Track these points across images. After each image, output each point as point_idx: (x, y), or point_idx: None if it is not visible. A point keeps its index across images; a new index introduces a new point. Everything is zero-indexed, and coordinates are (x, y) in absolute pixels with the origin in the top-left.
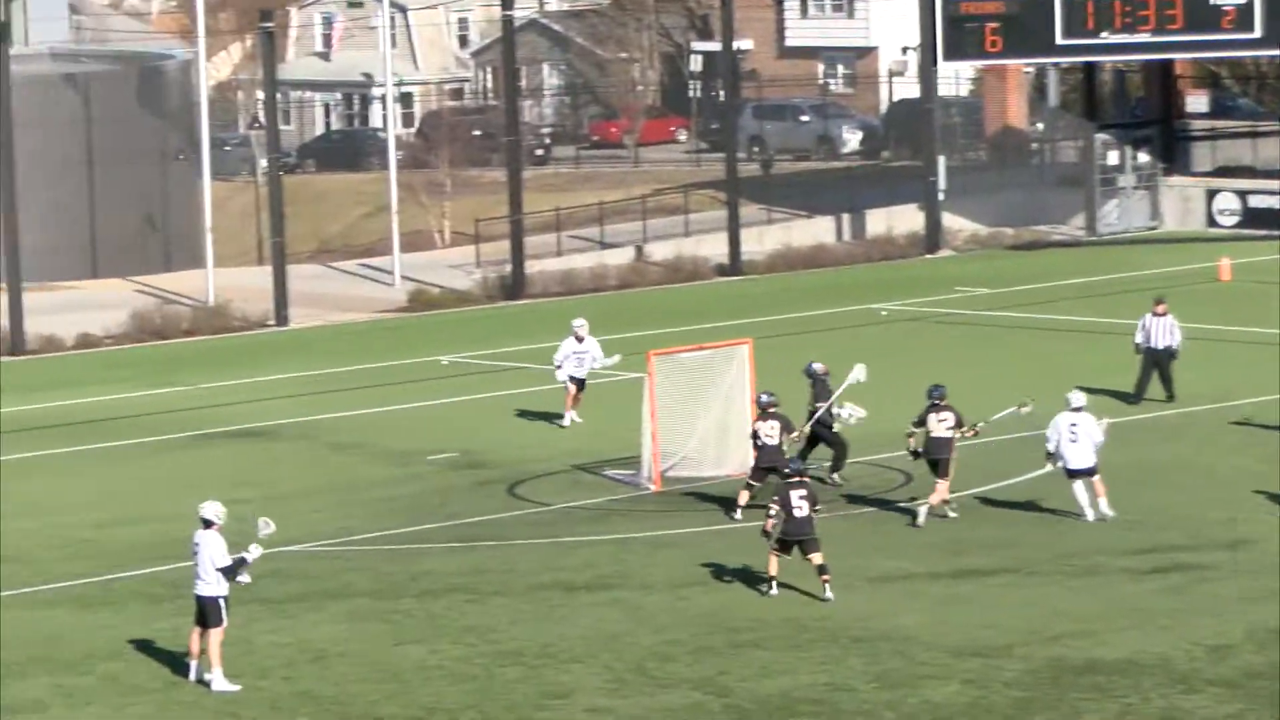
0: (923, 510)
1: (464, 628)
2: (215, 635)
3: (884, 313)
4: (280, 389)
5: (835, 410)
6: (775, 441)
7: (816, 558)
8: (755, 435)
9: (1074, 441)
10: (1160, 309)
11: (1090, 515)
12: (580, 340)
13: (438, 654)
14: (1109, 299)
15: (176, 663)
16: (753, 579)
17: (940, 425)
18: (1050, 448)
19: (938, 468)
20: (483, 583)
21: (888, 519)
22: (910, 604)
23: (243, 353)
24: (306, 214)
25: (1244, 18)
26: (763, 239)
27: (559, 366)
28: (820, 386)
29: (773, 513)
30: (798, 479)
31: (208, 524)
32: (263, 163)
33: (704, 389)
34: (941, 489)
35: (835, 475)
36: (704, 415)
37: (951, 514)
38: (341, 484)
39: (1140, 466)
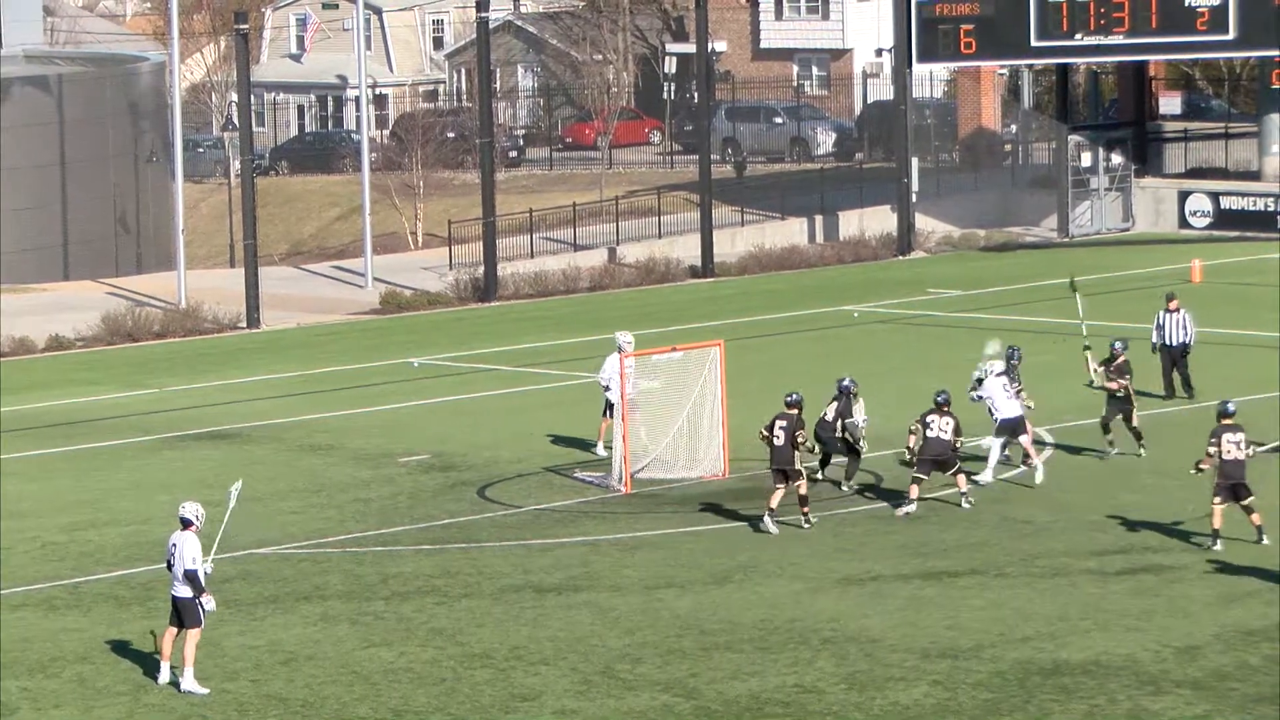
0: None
1: (433, 630)
2: (192, 636)
3: (856, 314)
4: (252, 391)
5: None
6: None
7: (800, 487)
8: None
9: (1008, 397)
10: (1173, 305)
11: (989, 476)
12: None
13: (406, 656)
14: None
15: (145, 666)
16: (725, 580)
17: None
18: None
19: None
20: (452, 585)
21: (854, 521)
22: (878, 606)
23: (214, 355)
24: (279, 216)
25: (1218, 19)
26: (735, 241)
27: (607, 388)
28: (846, 401)
29: (764, 435)
30: (787, 409)
31: (186, 524)
32: (236, 164)
33: (676, 391)
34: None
35: (849, 483)
36: (676, 417)
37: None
38: (313, 486)
39: (1113, 467)
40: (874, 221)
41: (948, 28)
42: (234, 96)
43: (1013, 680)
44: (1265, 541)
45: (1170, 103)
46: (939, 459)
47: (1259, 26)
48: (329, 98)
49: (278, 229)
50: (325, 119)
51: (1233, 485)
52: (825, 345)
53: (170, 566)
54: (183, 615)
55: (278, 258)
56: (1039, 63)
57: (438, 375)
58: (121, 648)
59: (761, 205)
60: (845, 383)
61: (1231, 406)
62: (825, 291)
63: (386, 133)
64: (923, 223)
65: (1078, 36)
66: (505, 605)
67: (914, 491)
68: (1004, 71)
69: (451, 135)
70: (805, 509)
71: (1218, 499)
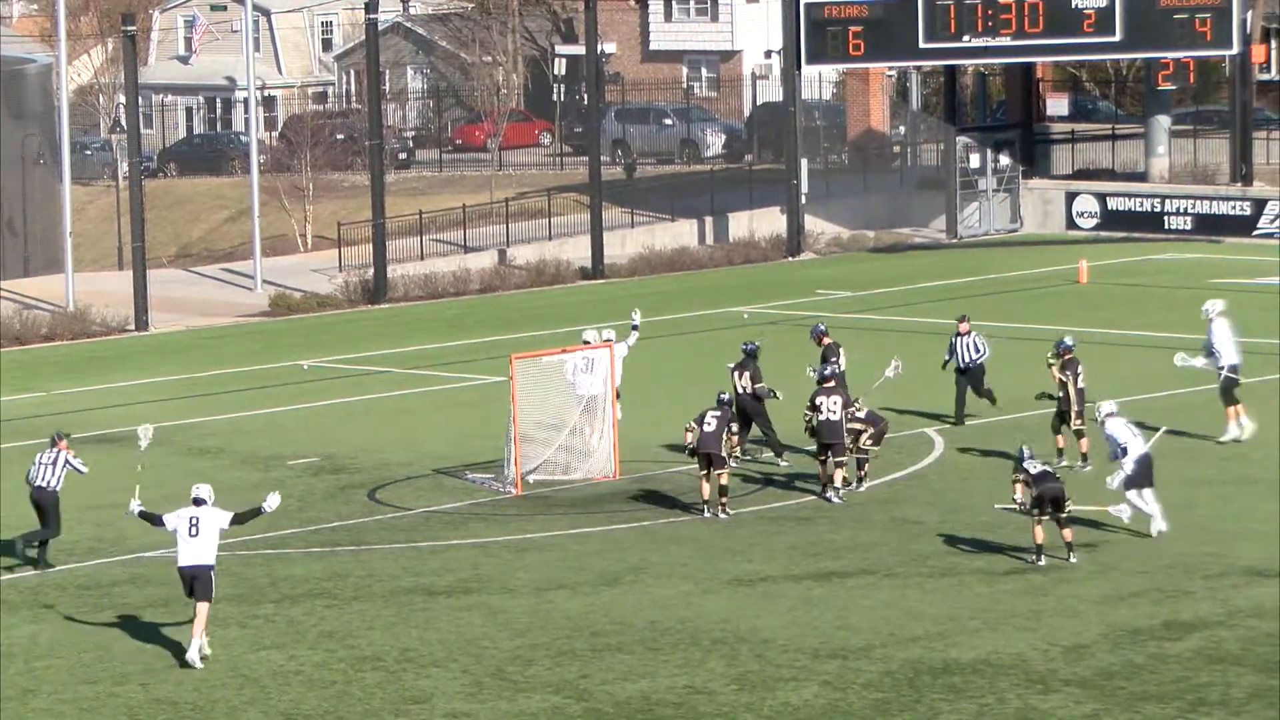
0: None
1: (323, 633)
2: (204, 607)
3: (745, 315)
4: (140, 394)
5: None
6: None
7: (721, 478)
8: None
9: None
10: (964, 327)
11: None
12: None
13: (296, 659)
14: (970, 301)
15: (31, 670)
16: (615, 581)
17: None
18: None
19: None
20: (342, 588)
21: (744, 522)
22: (769, 606)
23: (103, 358)
24: (168, 218)
25: (1104, 21)
26: (625, 242)
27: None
28: (752, 364)
29: (690, 427)
30: (718, 405)
31: (199, 503)
32: (124, 167)
33: (567, 392)
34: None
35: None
36: (567, 418)
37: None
38: None
39: (1000, 468)
40: (763, 223)
41: (836, 29)
42: (122, 98)
43: (903, 680)
44: (1074, 560)
45: (1057, 104)
46: (829, 443)
47: (1145, 28)
48: (217, 100)
49: (166, 231)
50: (214, 121)
51: (1053, 498)
52: (715, 346)
53: (195, 532)
54: (199, 583)
55: (166, 260)
56: (927, 64)
57: (328, 378)
58: (9, 652)
59: (651, 207)
60: (750, 346)
61: (1027, 450)
62: (715, 293)
63: (275, 135)
64: (812, 224)
65: (965, 38)
66: (395, 608)
67: (837, 476)
68: (892, 73)
69: (341, 137)
70: (724, 499)
71: (1036, 511)
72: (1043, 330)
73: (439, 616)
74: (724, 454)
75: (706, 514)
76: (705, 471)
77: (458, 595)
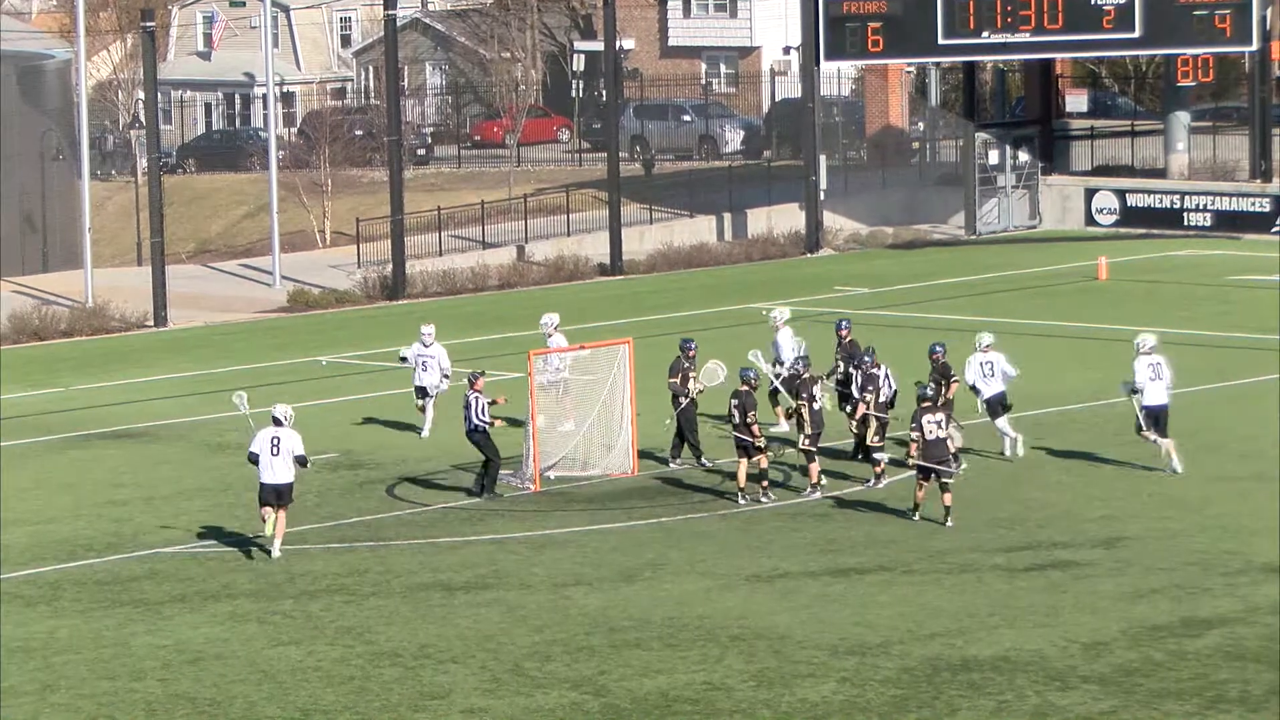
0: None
1: (341, 628)
2: (283, 514)
3: (764, 312)
4: (159, 390)
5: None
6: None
7: (762, 462)
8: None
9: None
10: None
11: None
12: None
13: (315, 655)
14: (988, 298)
15: (50, 666)
16: (633, 577)
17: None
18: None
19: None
20: (360, 583)
21: (762, 518)
22: (786, 603)
23: (121, 354)
24: (186, 214)
25: (1124, 17)
26: (644, 238)
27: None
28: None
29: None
30: (745, 389)
31: (277, 423)
32: (142, 162)
33: (585, 388)
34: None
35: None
36: (585, 415)
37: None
38: (220, 485)
39: (1018, 463)
40: (782, 219)
41: (855, 25)
42: (141, 94)
43: (921, 676)
44: (950, 525)
45: (1076, 100)
46: (815, 433)
47: (1164, 25)
48: (236, 95)
49: (185, 227)
50: (233, 117)
51: (938, 463)
52: (733, 344)
53: (276, 452)
54: (283, 496)
55: (185, 256)
56: (946, 60)
57: (346, 373)
58: (28, 647)
59: (670, 203)
60: (687, 343)
61: (930, 390)
62: (733, 289)
63: (294, 131)
64: (831, 220)
65: (984, 34)
66: (414, 603)
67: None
68: (911, 69)
69: (359, 133)
70: (764, 483)
71: (920, 476)
72: (1062, 327)
73: (457, 612)
74: (758, 443)
75: (741, 501)
76: (744, 459)
77: (476, 591)
